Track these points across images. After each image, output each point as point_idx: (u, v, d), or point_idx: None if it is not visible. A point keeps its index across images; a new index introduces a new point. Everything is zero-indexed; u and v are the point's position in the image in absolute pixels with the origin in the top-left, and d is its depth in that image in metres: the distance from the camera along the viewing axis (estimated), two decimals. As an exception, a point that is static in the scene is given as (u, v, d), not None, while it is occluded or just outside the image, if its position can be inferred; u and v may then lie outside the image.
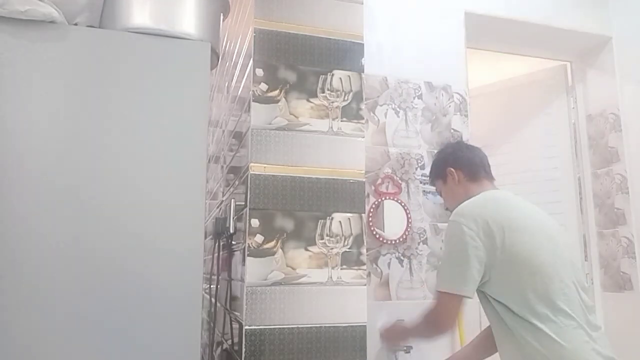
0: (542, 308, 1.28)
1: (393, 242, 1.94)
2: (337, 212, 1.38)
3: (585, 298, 1.37)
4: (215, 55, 1.27)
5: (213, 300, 1.66)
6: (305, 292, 1.31)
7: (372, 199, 1.97)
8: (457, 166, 1.59)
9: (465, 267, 1.33)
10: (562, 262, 1.37)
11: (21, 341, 0.99)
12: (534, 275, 1.31)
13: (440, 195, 1.71)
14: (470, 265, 1.32)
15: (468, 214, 1.39)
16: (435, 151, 2.08)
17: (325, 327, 1.31)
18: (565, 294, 1.31)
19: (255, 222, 1.30)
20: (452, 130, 2.13)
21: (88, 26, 1.17)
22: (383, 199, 1.97)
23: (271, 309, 1.28)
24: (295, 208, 1.34)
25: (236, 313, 1.41)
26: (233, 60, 1.82)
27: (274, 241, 1.31)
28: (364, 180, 1.43)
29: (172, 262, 1.09)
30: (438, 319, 1.39)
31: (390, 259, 1.94)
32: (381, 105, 2.06)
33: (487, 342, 1.49)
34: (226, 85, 1.99)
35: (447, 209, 1.69)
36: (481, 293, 1.39)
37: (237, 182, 1.54)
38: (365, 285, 1.38)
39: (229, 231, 1.45)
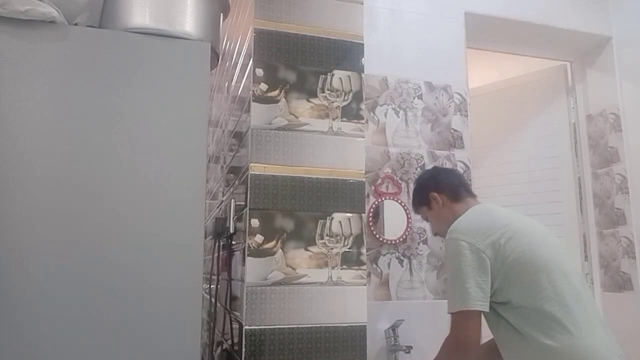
0: (553, 305, 1.29)
1: (393, 242, 1.94)
2: (337, 212, 1.38)
3: (590, 295, 1.38)
4: (215, 55, 1.27)
5: (213, 300, 1.66)
6: (305, 292, 1.31)
7: (372, 199, 1.97)
8: (439, 189, 1.59)
9: (472, 281, 1.32)
10: (563, 259, 1.39)
11: (21, 339, 0.99)
12: (540, 273, 1.32)
13: (427, 221, 1.71)
14: (476, 279, 1.32)
15: (464, 228, 1.41)
16: (436, 151, 2.08)
17: (325, 327, 1.31)
18: (573, 290, 1.33)
19: (255, 222, 1.30)
20: (452, 130, 2.13)
21: (88, 26, 1.17)
22: (383, 199, 1.97)
23: (271, 309, 1.28)
24: (295, 208, 1.34)
25: (236, 313, 1.41)
26: (233, 60, 1.82)
27: (274, 241, 1.31)
28: (364, 180, 1.43)
29: (172, 262, 1.09)
30: (459, 341, 1.34)
31: (390, 259, 1.94)
32: (381, 105, 2.06)
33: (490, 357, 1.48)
34: (226, 85, 1.99)
35: (435, 234, 1.69)
36: (491, 308, 1.37)
37: (237, 182, 1.54)
38: (365, 285, 1.38)
39: (229, 231, 1.45)
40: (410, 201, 1.77)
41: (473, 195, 1.59)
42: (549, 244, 1.41)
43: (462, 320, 1.33)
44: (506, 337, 1.36)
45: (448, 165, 2.09)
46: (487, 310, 1.33)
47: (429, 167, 2.06)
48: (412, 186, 2.03)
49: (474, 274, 1.32)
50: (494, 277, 1.34)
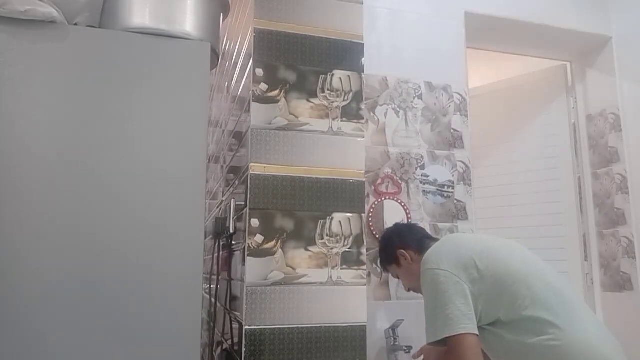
0: (538, 310, 1.30)
1: (393, 242, 1.94)
2: (337, 212, 1.38)
3: (574, 293, 1.40)
4: (215, 55, 1.27)
5: (213, 300, 1.66)
6: (305, 292, 1.31)
7: (372, 199, 1.97)
8: (406, 245, 1.60)
9: (452, 306, 1.31)
10: (534, 264, 1.41)
11: (20, 338, 0.99)
12: (516, 284, 1.33)
13: (398, 279, 1.70)
14: (456, 303, 1.32)
15: (436, 258, 1.41)
16: (436, 151, 2.08)
17: (325, 327, 1.31)
18: (552, 290, 1.33)
19: (255, 222, 1.30)
20: (452, 130, 2.13)
21: (88, 26, 1.17)
22: (383, 199, 1.97)
23: (271, 309, 1.28)
24: (295, 208, 1.34)
25: (236, 313, 1.41)
26: (233, 60, 1.82)
27: (274, 241, 1.31)
28: (364, 180, 1.43)
29: (172, 261, 1.09)
30: None
31: (390, 259, 1.94)
32: (381, 105, 2.05)
33: None
34: (226, 85, 1.99)
35: (408, 290, 1.68)
36: (480, 328, 1.35)
37: (237, 182, 1.54)
38: (365, 285, 1.38)
39: (229, 231, 1.45)
40: (378, 261, 1.77)
41: (437, 240, 1.59)
42: (516, 253, 1.43)
43: (459, 347, 1.29)
44: (501, 350, 1.36)
45: (448, 165, 2.09)
46: (476, 332, 1.31)
47: (429, 167, 2.06)
48: (412, 186, 2.03)
49: (453, 300, 1.32)
50: (476, 302, 1.33)
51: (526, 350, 1.30)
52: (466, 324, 1.30)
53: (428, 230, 1.99)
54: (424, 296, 1.42)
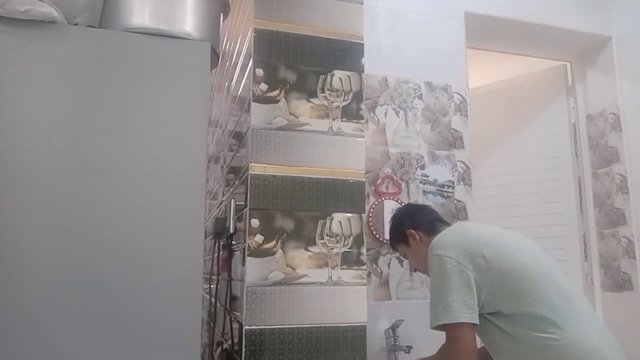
0: (541, 307, 1.30)
1: (393, 242, 1.94)
2: (337, 212, 1.38)
3: (578, 292, 1.40)
4: (215, 55, 1.27)
5: (213, 300, 1.66)
6: (305, 292, 1.31)
7: (372, 199, 1.97)
8: (415, 226, 1.60)
9: (455, 294, 1.33)
10: (542, 261, 1.41)
11: (19, 340, 0.99)
12: (523, 279, 1.34)
13: (406, 258, 1.71)
14: (459, 292, 1.33)
15: (443, 244, 1.42)
16: (436, 151, 2.08)
17: (325, 327, 1.31)
18: (558, 289, 1.34)
19: (255, 222, 1.30)
20: (452, 130, 2.13)
21: (88, 26, 1.17)
22: (383, 199, 1.97)
23: (271, 309, 1.28)
24: (295, 208, 1.34)
25: (236, 313, 1.41)
26: (233, 60, 1.82)
27: (274, 241, 1.31)
28: (364, 180, 1.43)
29: (172, 261, 1.09)
30: (452, 355, 1.34)
31: (390, 258, 1.94)
32: (381, 105, 2.06)
33: None
34: (226, 85, 1.99)
35: (415, 270, 1.69)
36: (480, 317, 1.37)
37: (237, 182, 1.54)
38: (365, 285, 1.38)
39: (229, 231, 1.45)
40: (387, 239, 1.78)
41: (447, 225, 1.60)
42: (525, 248, 1.43)
43: (454, 335, 1.33)
44: (499, 342, 1.36)
45: (448, 165, 2.09)
46: (476, 322, 1.33)
47: (429, 167, 2.06)
48: (412, 186, 2.03)
49: (456, 288, 1.33)
50: (480, 291, 1.34)
51: (521, 345, 1.30)
52: (466, 313, 1.32)
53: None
54: (430, 279, 1.43)
